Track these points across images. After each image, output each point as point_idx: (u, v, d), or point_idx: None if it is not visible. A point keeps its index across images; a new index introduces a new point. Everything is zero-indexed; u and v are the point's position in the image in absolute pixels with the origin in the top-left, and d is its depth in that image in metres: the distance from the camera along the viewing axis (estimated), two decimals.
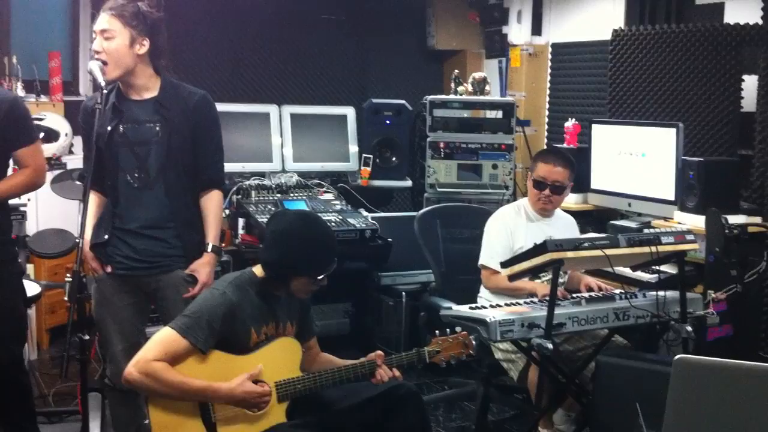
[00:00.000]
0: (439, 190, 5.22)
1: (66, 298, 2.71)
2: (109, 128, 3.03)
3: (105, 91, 2.88)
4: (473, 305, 3.33)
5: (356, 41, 6.50)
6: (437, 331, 2.97)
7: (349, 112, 5.42)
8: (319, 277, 2.81)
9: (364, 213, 4.79)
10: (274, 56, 6.20)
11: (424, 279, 4.79)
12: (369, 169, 5.24)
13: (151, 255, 3.09)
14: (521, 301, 3.36)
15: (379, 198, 5.37)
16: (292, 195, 4.84)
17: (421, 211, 4.33)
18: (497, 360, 3.65)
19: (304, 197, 4.85)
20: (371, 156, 5.28)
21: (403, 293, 4.82)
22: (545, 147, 5.36)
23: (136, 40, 3.00)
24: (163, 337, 2.64)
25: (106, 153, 3.06)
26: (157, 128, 3.06)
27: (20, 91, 5.08)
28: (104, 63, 2.97)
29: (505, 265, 3.29)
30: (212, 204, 3.19)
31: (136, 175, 3.07)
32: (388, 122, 5.37)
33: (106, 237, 3.10)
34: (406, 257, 4.74)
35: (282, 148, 5.14)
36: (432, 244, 4.14)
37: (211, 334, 2.66)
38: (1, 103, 3.07)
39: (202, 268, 3.13)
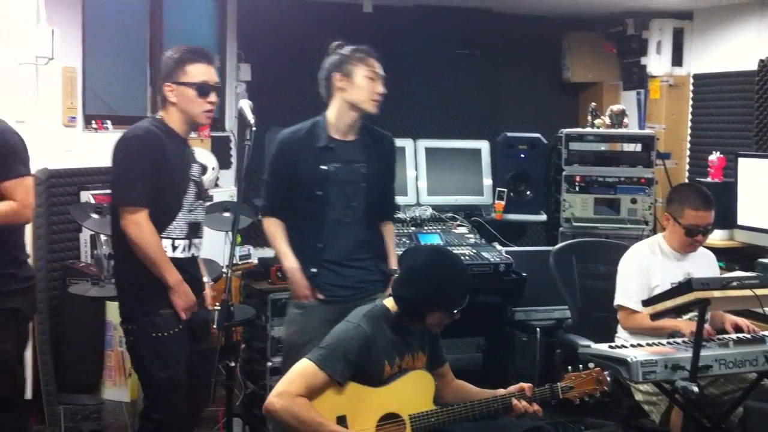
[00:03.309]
0: (574, 224, 5.14)
1: (215, 326, 2.84)
2: (322, 167, 3.27)
3: (254, 129, 3.03)
4: (613, 344, 3.24)
5: (490, 75, 6.53)
6: (570, 367, 2.93)
7: (483, 145, 5.42)
8: (455, 312, 2.83)
9: (498, 247, 4.76)
10: (409, 91, 6.29)
11: (559, 315, 4.70)
12: (503, 202, 5.22)
13: (356, 281, 3.34)
14: (664, 341, 3.26)
15: (513, 232, 5.32)
16: (426, 228, 4.87)
17: (557, 246, 4.26)
18: (637, 402, 3.54)
19: (438, 230, 4.87)
20: (505, 190, 5.26)
21: (538, 329, 4.74)
22: (684, 184, 5.16)
23: None
24: (303, 370, 2.69)
25: (314, 189, 3.28)
26: (364, 169, 3.34)
27: None
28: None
29: (647, 303, 3.20)
30: (390, 234, 3.50)
31: (346, 211, 3.32)
32: (522, 156, 5.34)
33: (314, 270, 3.30)
34: (541, 292, 4.67)
35: (417, 182, 5.20)
36: (567, 279, 4.06)
37: (347, 366, 2.70)
38: None
39: None
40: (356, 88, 3.29)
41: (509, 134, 5.45)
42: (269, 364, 4.07)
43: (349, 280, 3.32)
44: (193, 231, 3.12)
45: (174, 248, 3.05)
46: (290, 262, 3.30)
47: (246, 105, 3.11)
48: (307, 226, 3.32)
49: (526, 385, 2.87)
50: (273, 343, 4.09)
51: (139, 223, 2.95)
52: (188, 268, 3.09)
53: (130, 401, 4.71)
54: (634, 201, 5.15)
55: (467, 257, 4.44)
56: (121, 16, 5.56)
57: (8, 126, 3.12)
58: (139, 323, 3.02)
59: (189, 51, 3.12)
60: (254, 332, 4.31)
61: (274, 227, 3.35)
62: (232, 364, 2.87)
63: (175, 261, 3.04)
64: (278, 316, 4.08)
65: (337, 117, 3.34)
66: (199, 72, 3.07)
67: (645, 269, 3.62)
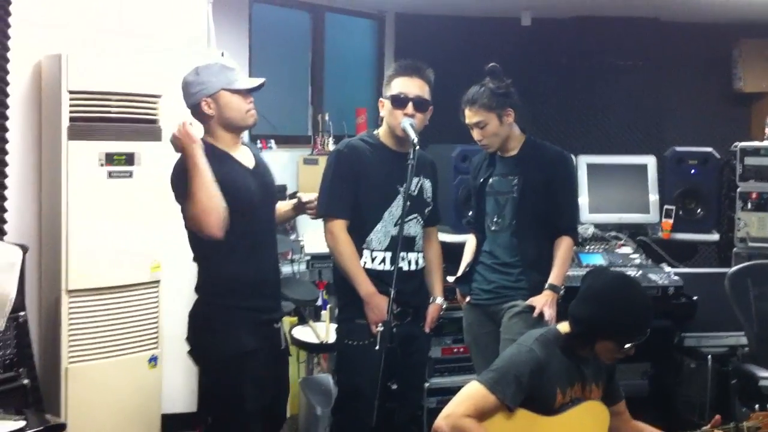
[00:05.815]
0: (750, 245, 4.85)
1: (377, 347, 2.83)
2: (481, 179, 3.54)
3: (417, 147, 3.01)
4: None
5: (655, 86, 6.27)
6: (757, 406, 2.78)
7: (649, 160, 5.19)
8: (627, 346, 2.68)
9: (666, 268, 4.56)
10: (569, 105, 6.16)
11: (733, 342, 4.44)
12: (671, 221, 4.99)
13: (498, 287, 3.47)
14: None
15: (683, 252, 5.09)
16: (588, 247, 4.72)
17: (733, 268, 4.04)
18: None
19: (601, 250, 4.72)
20: (673, 207, 5.03)
21: (709, 356, 4.49)
22: None
23: (502, 116, 3.39)
24: (473, 392, 2.63)
25: (479, 199, 3.58)
26: (515, 182, 3.45)
27: (331, 146, 5.48)
28: (487, 147, 3.45)
29: None
30: (561, 249, 3.45)
31: (495, 219, 3.49)
32: (693, 171, 5.10)
33: (467, 269, 3.59)
34: (713, 317, 4.44)
35: (579, 198, 5.04)
36: (743, 304, 3.86)
37: (519, 390, 2.62)
38: None
39: (539, 299, 3.36)
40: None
41: (678, 149, 5.20)
42: (427, 384, 4.05)
43: (491, 285, 3.49)
44: (397, 244, 3.07)
45: (372, 259, 3.18)
46: (459, 273, 3.62)
47: (407, 123, 3.11)
48: (477, 231, 3.62)
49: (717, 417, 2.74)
50: (431, 364, 4.06)
51: (332, 233, 3.17)
52: (389, 281, 3.02)
53: (289, 416, 4.80)
54: None
55: None
56: (285, 39, 5.73)
57: None
58: (338, 327, 3.26)
59: (396, 66, 3.28)
60: None
61: (468, 245, 3.66)
62: (394, 387, 2.85)
63: (373, 272, 3.16)
64: (435, 336, 4.05)
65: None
66: (398, 84, 3.19)
67: None
